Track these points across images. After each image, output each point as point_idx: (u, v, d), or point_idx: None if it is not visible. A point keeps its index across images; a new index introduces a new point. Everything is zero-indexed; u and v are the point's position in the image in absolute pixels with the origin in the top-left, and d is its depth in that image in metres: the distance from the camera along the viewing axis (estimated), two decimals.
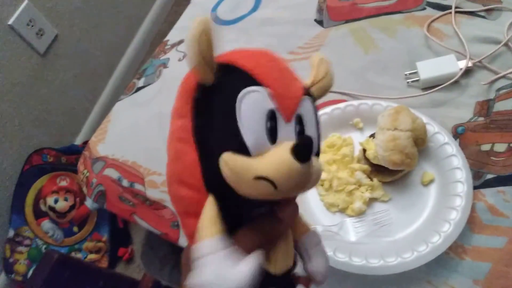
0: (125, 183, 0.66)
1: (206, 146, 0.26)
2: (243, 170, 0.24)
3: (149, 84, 0.76)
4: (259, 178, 0.24)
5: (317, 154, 0.29)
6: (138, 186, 0.65)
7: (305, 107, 0.28)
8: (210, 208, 0.26)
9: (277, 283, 0.29)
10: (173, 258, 0.75)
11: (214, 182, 0.25)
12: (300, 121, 0.27)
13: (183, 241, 0.61)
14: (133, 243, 1.30)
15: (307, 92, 0.29)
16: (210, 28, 0.24)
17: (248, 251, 0.26)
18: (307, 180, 0.25)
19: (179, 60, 0.77)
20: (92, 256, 1.33)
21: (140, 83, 0.77)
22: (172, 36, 0.82)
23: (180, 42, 0.80)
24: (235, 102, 0.24)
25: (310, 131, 0.28)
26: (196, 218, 0.26)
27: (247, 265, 0.24)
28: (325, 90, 0.31)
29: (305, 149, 0.24)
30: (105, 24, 1.57)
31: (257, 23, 0.76)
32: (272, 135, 0.25)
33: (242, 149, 0.24)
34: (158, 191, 0.63)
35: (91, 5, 1.51)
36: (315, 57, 0.32)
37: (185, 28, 0.82)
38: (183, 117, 0.27)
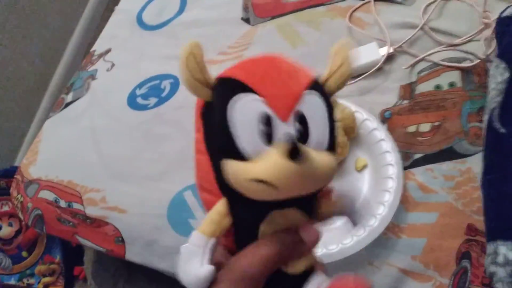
0: (62, 204, 0.63)
1: (211, 155, 0.27)
2: (240, 174, 0.25)
3: (78, 98, 0.73)
4: (257, 180, 0.24)
5: (331, 149, 0.28)
6: (76, 206, 0.63)
7: (309, 103, 0.27)
8: (216, 209, 0.28)
9: (294, 281, 0.30)
10: (125, 273, 0.73)
11: (224, 187, 0.27)
12: (301, 118, 0.27)
13: (129, 256, 0.60)
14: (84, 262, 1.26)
15: (313, 86, 0.28)
16: (198, 50, 0.25)
17: (259, 264, 0.27)
18: (307, 176, 0.25)
19: (107, 70, 0.74)
20: (46, 280, 1.27)
21: (69, 98, 0.74)
22: (98, 46, 0.80)
23: (108, 51, 0.77)
24: (225, 110, 0.25)
25: (315, 127, 0.27)
26: None
27: (202, 271, 0.26)
28: (344, 80, 0.30)
29: (291, 147, 0.23)
30: (33, 36, 1.50)
31: (184, 26, 0.75)
32: (267, 137, 0.25)
33: (238, 155, 0.25)
34: (97, 208, 0.61)
35: (16, 18, 1.43)
36: (333, 47, 0.30)
37: (111, 36, 0.80)
38: (198, 131, 0.29)
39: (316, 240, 0.29)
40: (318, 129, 0.27)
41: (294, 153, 0.23)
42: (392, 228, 0.51)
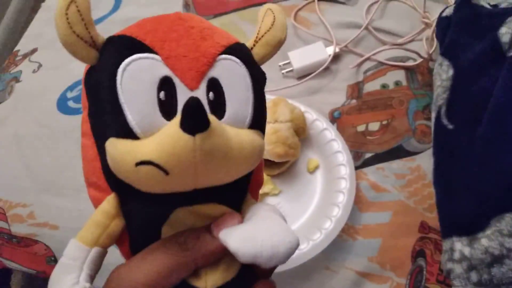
0: None
1: (97, 136, 0.21)
2: (122, 156, 0.19)
3: (0, 102, 0.65)
4: (142, 163, 0.18)
5: (257, 127, 0.23)
6: (0, 223, 0.55)
7: (226, 69, 0.22)
8: (102, 209, 0.22)
9: None
10: None
11: (111, 178, 0.21)
12: (215, 86, 0.21)
13: None
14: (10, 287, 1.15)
15: (233, 50, 0.23)
16: (85, 5, 0.20)
17: (157, 272, 0.21)
18: (213, 157, 0.19)
19: (34, 71, 0.67)
20: None
21: None
22: (23, 45, 0.72)
23: (34, 51, 0.70)
24: (115, 74, 0.20)
25: (233, 98, 0.22)
26: None
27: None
28: (273, 45, 0.25)
29: (193, 116, 0.18)
30: None
31: (120, 24, 0.70)
32: (168, 109, 0.20)
33: (126, 131, 0.19)
34: (25, 225, 0.54)
35: None
36: (261, 9, 0.25)
37: (37, 35, 0.73)
38: (84, 108, 0.22)
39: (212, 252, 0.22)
40: (237, 101, 0.22)
41: (194, 122, 0.18)
42: (348, 230, 0.50)
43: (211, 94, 0.21)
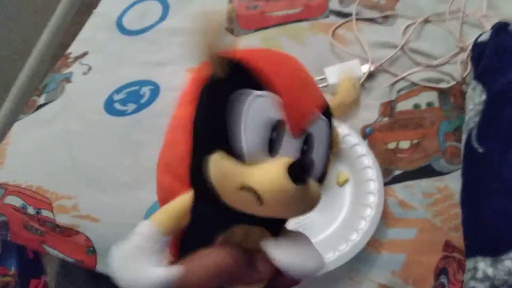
0: (30, 210, 0.60)
1: (201, 139, 0.23)
2: (231, 174, 0.22)
3: (51, 101, 0.70)
4: (246, 188, 0.21)
5: (321, 181, 0.26)
6: (45, 213, 0.59)
7: (318, 127, 0.25)
8: (181, 203, 0.24)
9: None
10: (92, 286, 0.70)
11: (199, 178, 0.23)
12: (308, 140, 0.24)
13: (100, 267, 0.57)
14: (46, 274, 1.20)
15: (325, 111, 0.26)
16: (221, 19, 0.22)
17: (195, 275, 0.23)
18: (298, 203, 0.23)
19: (84, 73, 0.72)
20: None
21: (41, 100, 0.71)
22: (75, 48, 0.77)
23: (84, 54, 0.75)
24: (244, 103, 0.22)
25: (317, 153, 0.25)
26: None
27: (156, 274, 0.21)
28: (347, 116, 0.29)
29: (302, 170, 0.21)
30: None
31: (166, 33, 0.74)
32: (273, 147, 0.23)
33: (237, 152, 0.22)
34: (69, 216, 0.58)
35: None
36: (347, 80, 0.30)
37: (88, 40, 0.77)
38: (188, 104, 0.24)
39: (268, 274, 0.25)
40: (319, 156, 0.25)
41: (298, 174, 0.21)
42: (373, 243, 0.51)
43: (305, 147, 0.24)
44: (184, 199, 0.24)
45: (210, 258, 0.23)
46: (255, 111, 0.22)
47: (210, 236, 0.24)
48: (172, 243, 0.25)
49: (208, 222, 0.24)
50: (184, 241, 0.25)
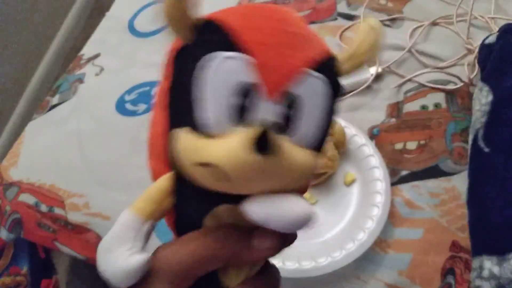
0: (43, 208, 0.61)
1: (172, 114, 0.22)
2: (194, 152, 0.20)
3: (64, 101, 0.72)
4: (203, 163, 0.19)
5: (317, 147, 0.23)
6: (58, 211, 0.61)
7: (309, 87, 0.21)
8: (159, 185, 0.22)
9: None
10: (102, 284, 0.71)
11: (172, 158, 0.21)
12: (292, 102, 0.21)
13: None
14: (57, 273, 1.22)
15: (323, 67, 0.22)
16: None
17: (189, 258, 0.22)
18: (271, 173, 0.20)
19: (96, 74, 0.73)
20: None
21: (55, 100, 0.72)
22: (87, 50, 0.78)
23: (97, 56, 0.76)
24: (209, 68, 0.20)
25: (307, 118, 0.21)
26: None
27: (132, 262, 0.21)
28: (359, 67, 0.24)
29: (260, 135, 0.18)
30: (13, 38, 1.47)
31: None
32: (239, 113, 0.20)
33: (200, 125, 0.20)
34: (80, 214, 0.60)
35: None
36: (365, 24, 0.25)
37: (101, 42, 0.79)
38: (165, 79, 0.23)
39: (269, 250, 0.23)
40: (309, 122, 0.22)
41: (261, 143, 0.18)
42: (380, 243, 0.52)
43: (289, 111, 0.21)
44: (162, 181, 0.22)
45: (193, 245, 0.22)
46: (221, 76, 0.20)
47: (198, 217, 0.23)
48: (169, 222, 0.24)
49: (192, 203, 0.23)
50: (177, 222, 0.24)
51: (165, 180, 0.22)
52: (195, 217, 0.23)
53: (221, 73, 0.20)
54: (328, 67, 0.22)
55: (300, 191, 0.25)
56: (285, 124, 0.21)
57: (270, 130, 0.19)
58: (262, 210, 0.21)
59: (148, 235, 0.22)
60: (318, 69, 0.22)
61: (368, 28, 0.24)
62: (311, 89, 0.21)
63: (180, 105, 0.21)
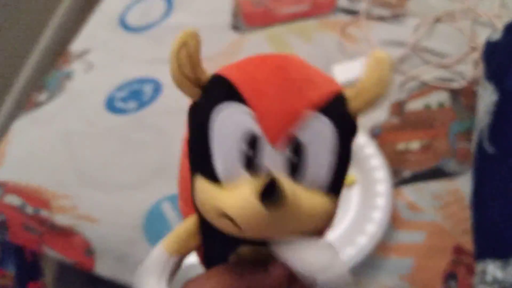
0: (29, 209, 0.59)
1: (191, 164, 0.24)
2: (208, 200, 0.21)
3: (51, 98, 0.69)
4: (224, 214, 0.21)
5: (332, 190, 0.23)
6: (44, 213, 0.58)
7: (314, 131, 0.21)
8: (186, 226, 0.25)
9: None
10: None
11: (194, 203, 0.23)
12: (297, 146, 0.21)
13: (99, 269, 0.56)
14: (44, 277, 1.19)
15: (328, 108, 0.22)
16: (193, 40, 0.21)
17: None
18: (283, 222, 0.20)
19: (85, 71, 0.71)
20: None
21: (42, 97, 0.69)
22: (76, 45, 0.76)
23: (86, 51, 0.74)
24: (208, 117, 0.21)
25: (316, 160, 0.22)
26: None
27: None
28: (371, 104, 0.23)
29: (266, 186, 0.19)
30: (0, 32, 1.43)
31: (171, 30, 0.73)
32: (247, 161, 0.21)
33: (212, 175, 0.21)
34: (67, 216, 0.57)
35: None
36: (372, 57, 0.23)
37: (91, 36, 0.76)
38: (186, 129, 0.25)
39: (282, 277, 0.24)
40: (319, 165, 0.22)
41: (268, 194, 0.19)
42: (381, 246, 0.50)
43: (294, 157, 0.21)
44: (187, 222, 0.25)
45: (214, 281, 0.24)
46: (226, 127, 0.21)
47: (223, 254, 0.25)
48: (199, 255, 0.27)
49: (216, 245, 0.25)
50: (205, 257, 0.27)
51: (190, 221, 0.25)
52: (220, 256, 0.25)
53: (225, 125, 0.21)
54: (335, 107, 0.22)
55: (320, 232, 0.26)
56: (294, 169, 0.21)
57: (278, 178, 0.19)
58: (302, 259, 0.22)
59: (176, 268, 0.25)
60: (324, 110, 0.22)
61: (376, 61, 0.23)
62: (317, 131, 0.22)
63: (195, 155, 0.23)
